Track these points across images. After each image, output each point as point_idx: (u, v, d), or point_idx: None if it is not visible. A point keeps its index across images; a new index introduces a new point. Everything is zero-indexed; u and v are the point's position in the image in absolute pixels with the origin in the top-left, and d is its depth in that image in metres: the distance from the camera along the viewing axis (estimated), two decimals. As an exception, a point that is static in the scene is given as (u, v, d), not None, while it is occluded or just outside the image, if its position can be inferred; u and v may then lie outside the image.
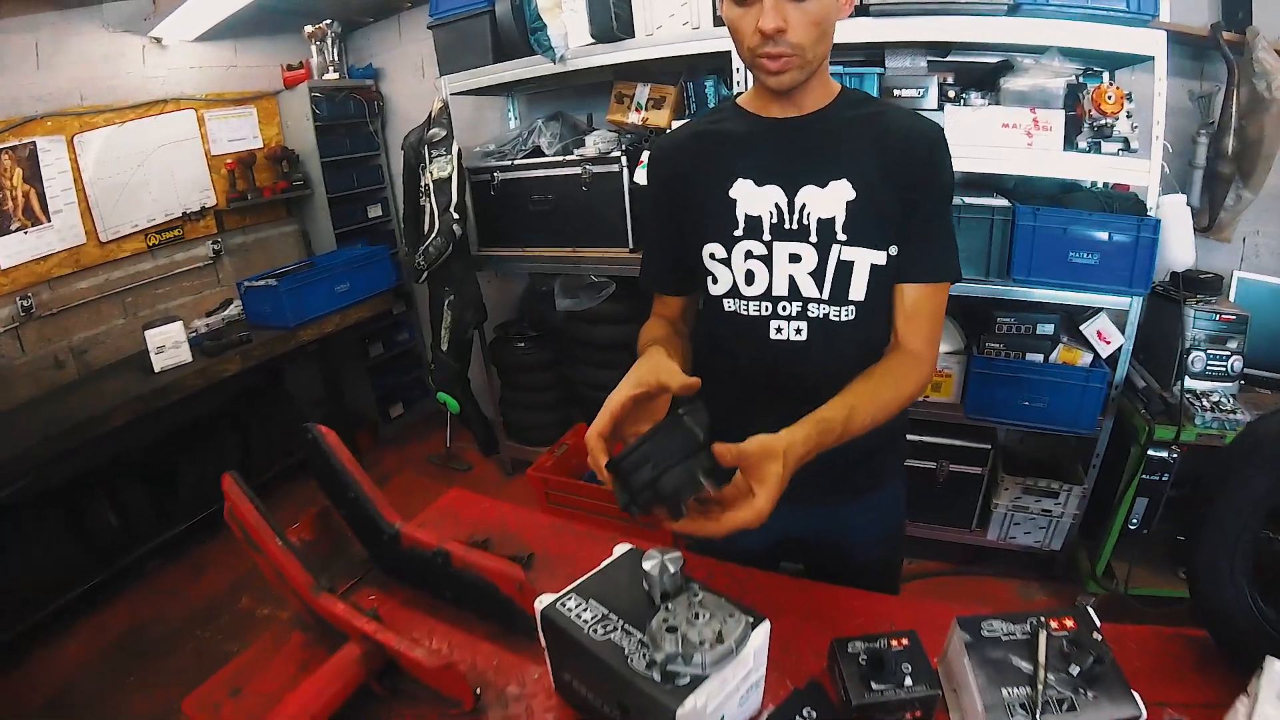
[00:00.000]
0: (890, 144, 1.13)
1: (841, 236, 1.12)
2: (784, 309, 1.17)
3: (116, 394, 2.67)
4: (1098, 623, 0.80)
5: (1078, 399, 2.40)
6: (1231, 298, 2.49)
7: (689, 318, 1.36)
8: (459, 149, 2.87)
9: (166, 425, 3.08)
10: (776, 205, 1.14)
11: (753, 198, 1.15)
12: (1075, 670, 0.76)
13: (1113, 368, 2.39)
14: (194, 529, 3.11)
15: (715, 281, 1.21)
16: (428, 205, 2.86)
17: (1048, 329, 2.44)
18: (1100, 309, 2.39)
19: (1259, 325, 2.29)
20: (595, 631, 0.79)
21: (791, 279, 1.15)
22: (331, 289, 3.22)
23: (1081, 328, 2.44)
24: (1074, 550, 2.66)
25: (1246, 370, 2.31)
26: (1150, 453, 2.25)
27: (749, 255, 1.16)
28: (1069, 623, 0.81)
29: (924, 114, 1.19)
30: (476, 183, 3.12)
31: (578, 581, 0.86)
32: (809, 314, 1.16)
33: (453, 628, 1.10)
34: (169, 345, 2.80)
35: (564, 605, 0.83)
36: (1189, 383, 2.27)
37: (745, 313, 1.19)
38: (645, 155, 2.69)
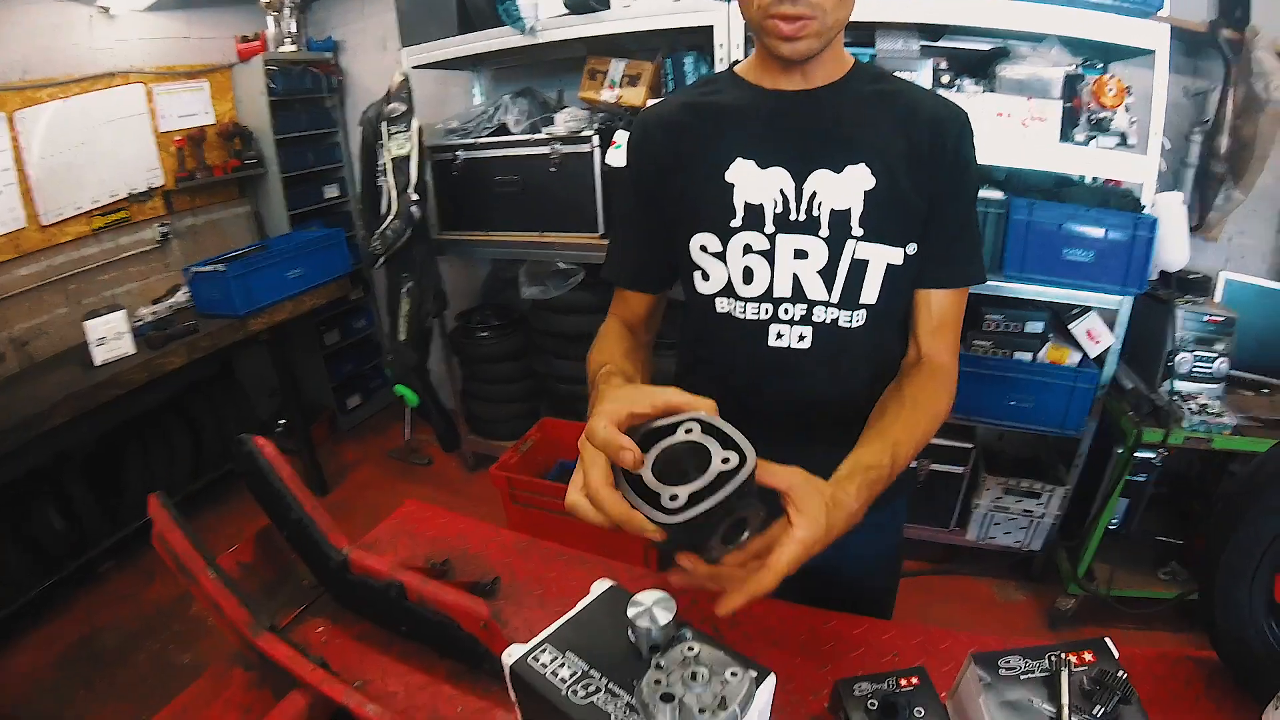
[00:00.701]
0: (915, 128, 0.99)
1: (858, 231, 0.99)
2: (786, 312, 1.03)
3: (56, 389, 2.48)
4: (1116, 654, 0.74)
5: (1066, 399, 2.37)
6: (1218, 298, 2.46)
7: (653, 324, 1.22)
8: (419, 126, 2.70)
9: (113, 421, 2.92)
10: (782, 192, 0.99)
11: (754, 182, 1.00)
12: (1099, 712, 0.70)
13: (1100, 367, 2.35)
14: (144, 530, 2.87)
15: (706, 278, 1.06)
16: (385, 185, 2.69)
17: (1037, 327, 2.39)
18: (1090, 308, 2.35)
19: (1244, 326, 2.27)
20: (575, 693, 0.66)
21: (796, 278, 1.01)
22: (284, 274, 3.03)
23: (1070, 326, 2.39)
24: (1053, 551, 2.65)
25: (1230, 372, 2.29)
26: (1137, 454, 2.24)
27: (748, 249, 1.01)
28: (1088, 656, 0.75)
29: (944, 95, 1.07)
30: (438, 162, 2.96)
31: (552, 628, 0.73)
32: (814, 318, 1.03)
33: (410, 667, 0.98)
34: (110, 336, 2.60)
35: (537, 660, 0.69)
36: (1175, 384, 2.25)
37: (741, 315, 1.05)
38: (619, 135, 2.56)
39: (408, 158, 2.63)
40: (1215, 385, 2.28)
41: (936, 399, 1.00)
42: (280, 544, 1.10)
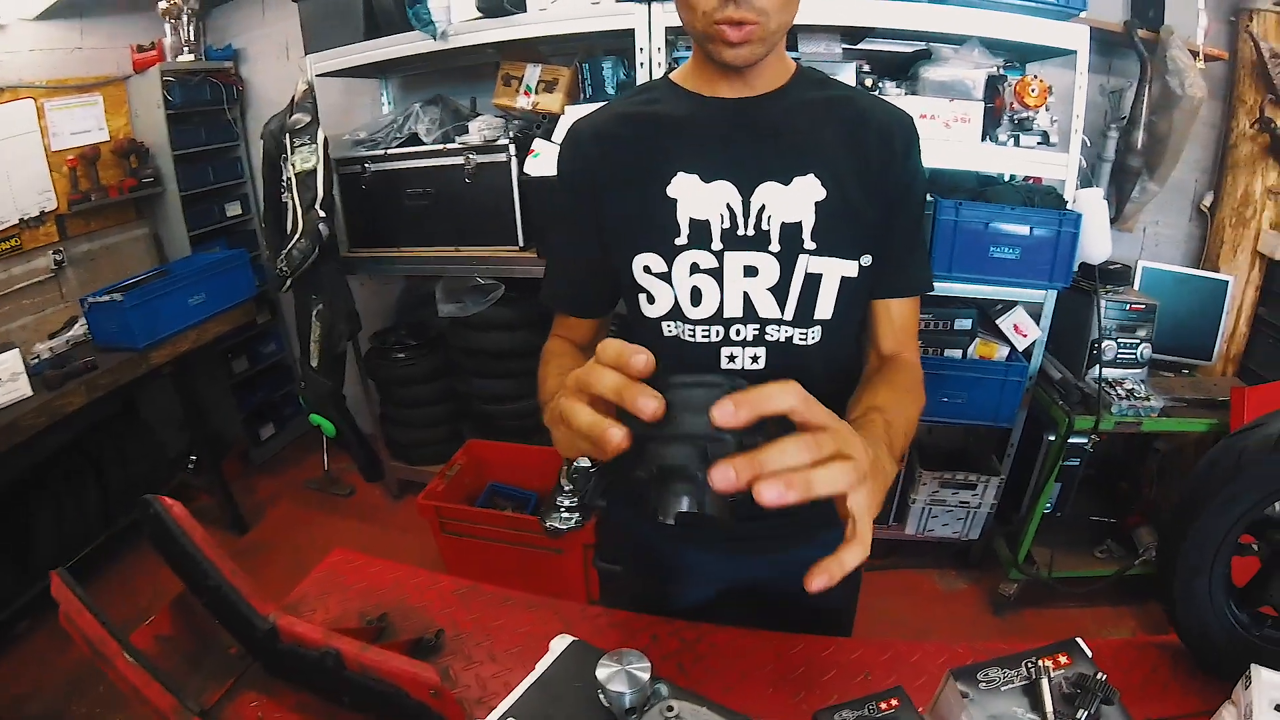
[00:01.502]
0: (864, 135, 0.95)
1: (810, 245, 0.93)
2: (738, 333, 0.97)
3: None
4: (1090, 654, 0.76)
5: (997, 393, 2.42)
6: (1137, 286, 2.54)
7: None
8: (325, 137, 2.53)
9: (13, 469, 2.68)
10: (729, 206, 0.93)
11: (698, 197, 0.94)
12: (1083, 715, 0.71)
13: (1028, 359, 2.40)
14: None
15: (651, 301, 0.99)
16: (290, 202, 2.51)
17: (966, 324, 2.42)
18: (1016, 302, 2.38)
19: (1163, 312, 2.35)
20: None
21: (747, 296, 0.95)
22: (185, 301, 2.82)
23: (998, 321, 2.43)
24: (991, 538, 2.72)
25: (1153, 356, 2.38)
26: (1070, 441, 2.30)
27: (695, 269, 0.95)
28: (1063, 659, 0.76)
29: (890, 100, 1.02)
30: (345, 175, 2.80)
31: (514, 696, 0.65)
32: (767, 338, 0.97)
33: (358, 740, 0.89)
34: (5, 378, 2.36)
35: (503, 733, 0.61)
36: (1101, 371, 2.30)
37: (691, 339, 0.98)
38: (537, 143, 2.46)
39: (313, 171, 2.46)
40: (1139, 370, 2.36)
41: (918, 393, 0.99)
42: (200, 611, 0.99)
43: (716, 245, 0.94)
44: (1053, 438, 2.37)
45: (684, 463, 0.55)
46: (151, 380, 2.84)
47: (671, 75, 1.03)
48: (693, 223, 0.94)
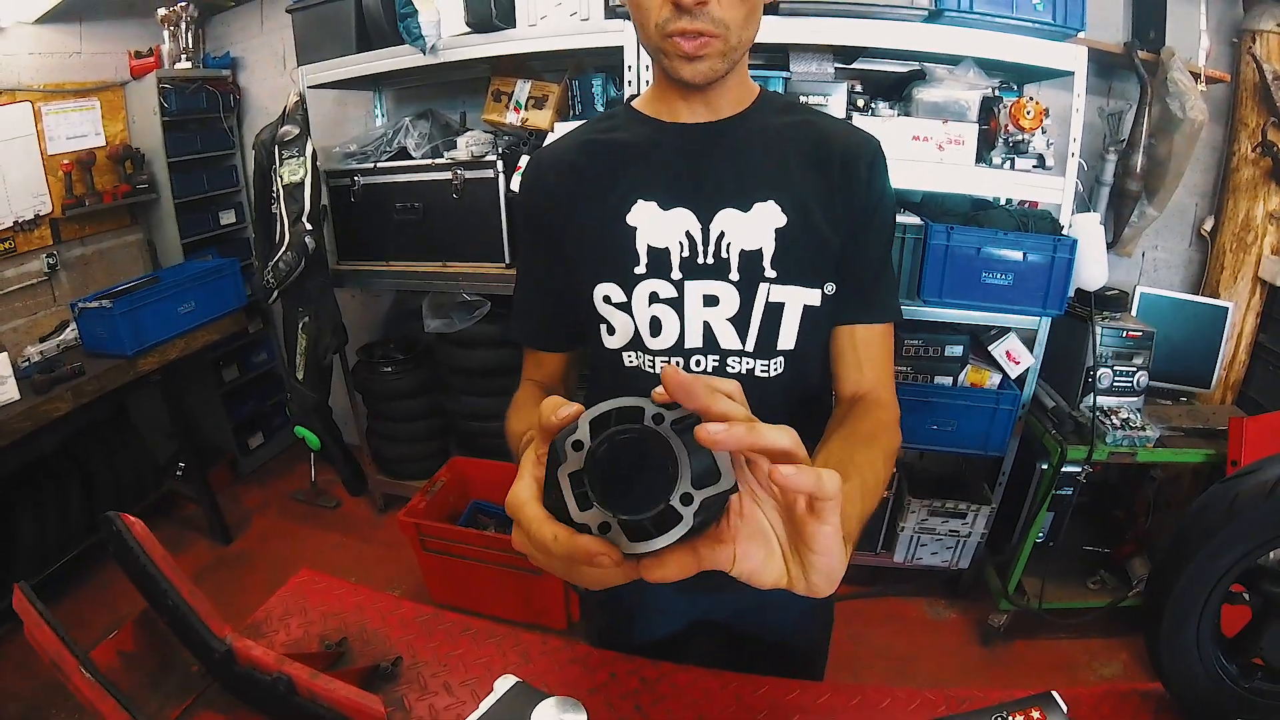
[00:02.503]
0: (827, 160, 0.92)
1: (770, 273, 0.91)
2: (698, 364, 0.95)
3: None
4: (1065, 709, 0.78)
5: (988, 421, 2.36)
6: (1134, 312, 2.51)
7: (571, 381, 1.12)
8: (315, 150, 2.53)
9: (2, 472, 2.68)
10: (688, 234, 0.91)
11: (657, 225, 0.92)
12: None
13: (1020, 387, 2.36)
14: (40, 587, 2.67)
15: (612, 332, 0.97)
16: (279, 214, 2.51)
17: (957, 350, 2.37)
18: (1009, 329, 2.35)
19: (1160, 338, 2.32)
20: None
21: (707, 326, 0.93)
22: (175, 309, 2.82)
23: (990, 348, 2.39)
24: (982, 567, 2.66)
25: (1150, 383, 2.33)
26: (1063, 470, 2.25)
27: (654, 298, 0.93)
28: (1035, 714, 0.79)
29: (856, 124, 1.00)
30: (335, 187, 2.80)
31: None
32: (729, 369, 0.95)
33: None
34: None
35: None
36: (1096, 399, 2.26)
37: (651, 370, 0.96)
38: (524, 160, 2.44)
39: (301, 184, 2.46)
40: (1135, 398, 2.31)
41: (886, 435, 0.92)
42: (162, 629, 1.00)
43: (676, 274, 0.92)
44: (1045, 466, 2.33)
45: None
46: (141, 387, 2.83)
47: (634, 101, 1.00)
48: (651, 251, 0.92)
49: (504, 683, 0.76)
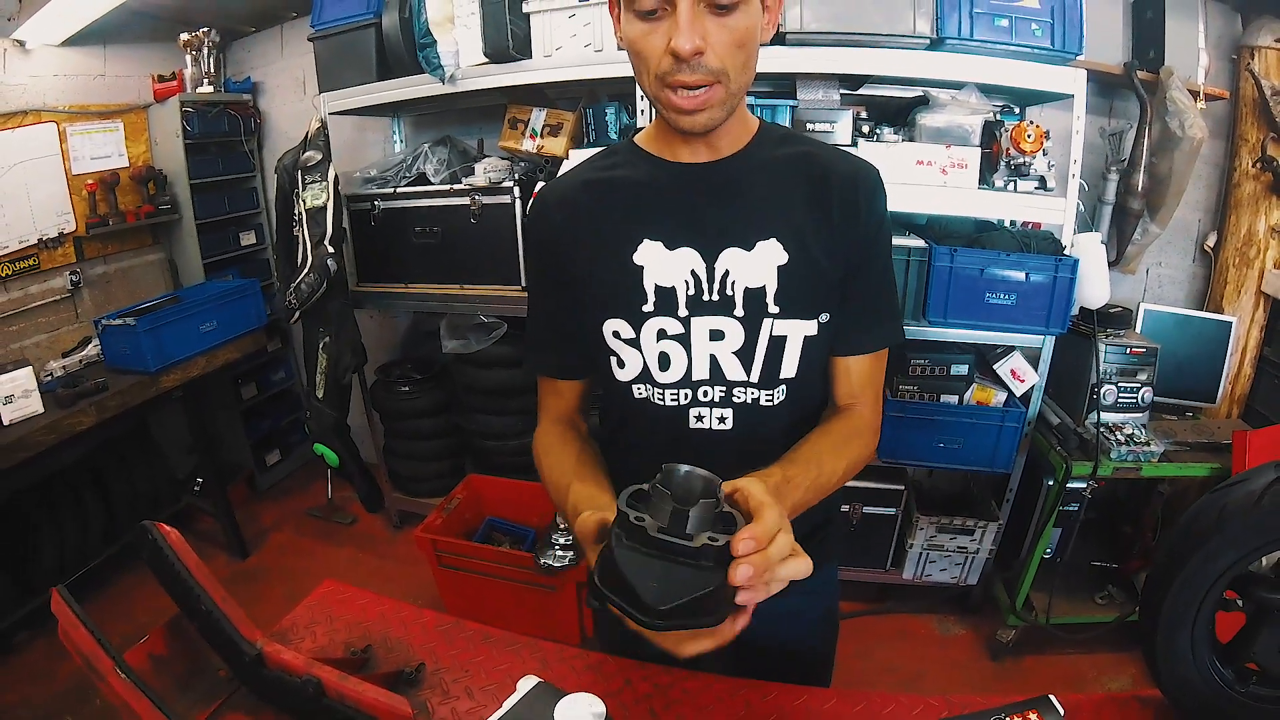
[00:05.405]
0: (827, 192, 0.96)
1: (774, 309, 0.95)
2: (705, 395, 0.99)
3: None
4: (1062, 712, 0.80)
5: (994, 439, 2.38)
6: (1138, 329, 2.53)
7: (586, 405, 1.16)
8: (336, 175, 2.59)
9: (20, 483, 2.73)
10: (693, 273, 0.95)
11: (664, 265, 0.95)
12: None
13: (1025, 404, 2.37)
14: None
15: (622, 365, 1.01)
16: (301, 236, 2.57)
17: (962, 369, 2.39)
18: (1014, 347, 2.37)
19: (1164, 353, 2.34)
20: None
21: (714, 359, 0.97)
22: (196, 328, 2.88)
23: (995, 366, 2.41)
24: (990, 583, 2.67)
25: (1154, 399, 2.35)
26: (1069, 486, 2.28)
27: (662, 335, 0.97)
28: (1033, 716, 0.81)
29: (853, 153, 1.03)
30: (356, 211, 2.86)
31: None
32: (734, 399, 0.99)
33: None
34: (18, 394, 2.42)
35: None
36: (1101, 416, 2.28)
37: (660, 401, 1.00)
38: (540, 185, 2.49)
39: (323, 208, 2.52)
40: (1140, 414, 2.33)
41: (864, 445, 1.01)
42: (192, 634, 1.03)
43: (682, 312, 0.96)
44: (1051, 483, 2.35)
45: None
46: (163, 403, 2.89)
47: (636, 138, 1.03)
48: (658, 290, 0.96)
49: (526, 682, 0.79)
